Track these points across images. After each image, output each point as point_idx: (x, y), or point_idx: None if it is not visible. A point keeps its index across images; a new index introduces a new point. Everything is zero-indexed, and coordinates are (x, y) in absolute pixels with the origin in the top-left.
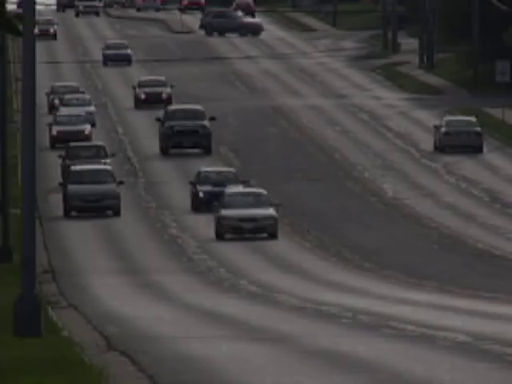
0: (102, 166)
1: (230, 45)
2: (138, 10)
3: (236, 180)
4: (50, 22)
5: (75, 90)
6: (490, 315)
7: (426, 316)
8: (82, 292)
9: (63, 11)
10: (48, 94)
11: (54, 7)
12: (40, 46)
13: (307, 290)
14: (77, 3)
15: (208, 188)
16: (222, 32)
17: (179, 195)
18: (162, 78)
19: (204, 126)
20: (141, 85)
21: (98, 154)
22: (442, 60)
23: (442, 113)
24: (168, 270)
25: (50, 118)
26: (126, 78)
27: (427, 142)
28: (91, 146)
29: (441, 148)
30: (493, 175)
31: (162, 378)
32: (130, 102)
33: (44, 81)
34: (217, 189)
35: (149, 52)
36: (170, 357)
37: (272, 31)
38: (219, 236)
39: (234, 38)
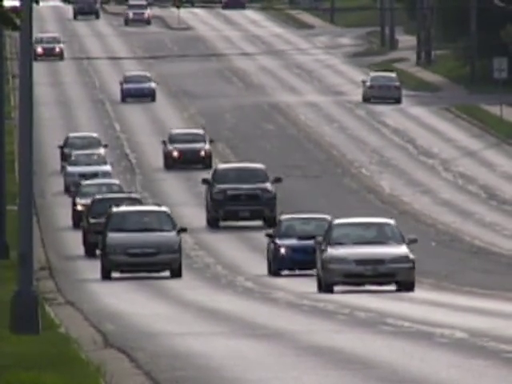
0: (155, 208)
1: (226, 41)
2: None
3: None
4: (55, 40)
5: (95, 143)
6: (487, 312)
7: (422, 312)
8: (79, 289)
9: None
10: (61, 147)
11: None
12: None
13: (304, 286)
14: (126, 11)
15: (292, 242)
16: None
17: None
18: (200, 132)
19: (266, 190)
20: (172, 139)
21: None
22: (439, 57)
23: (438, 109)
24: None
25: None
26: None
27: (423, 138)
28: (123, 199)
29: (367, 99)
30: (490, 172)
31: (159, 374)
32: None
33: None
34: (304, 243)
35: (146, 49)
36: (167, 353)
37: (269, 28)
38: (324, 287)
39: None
